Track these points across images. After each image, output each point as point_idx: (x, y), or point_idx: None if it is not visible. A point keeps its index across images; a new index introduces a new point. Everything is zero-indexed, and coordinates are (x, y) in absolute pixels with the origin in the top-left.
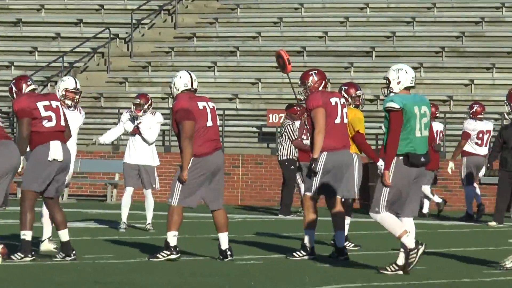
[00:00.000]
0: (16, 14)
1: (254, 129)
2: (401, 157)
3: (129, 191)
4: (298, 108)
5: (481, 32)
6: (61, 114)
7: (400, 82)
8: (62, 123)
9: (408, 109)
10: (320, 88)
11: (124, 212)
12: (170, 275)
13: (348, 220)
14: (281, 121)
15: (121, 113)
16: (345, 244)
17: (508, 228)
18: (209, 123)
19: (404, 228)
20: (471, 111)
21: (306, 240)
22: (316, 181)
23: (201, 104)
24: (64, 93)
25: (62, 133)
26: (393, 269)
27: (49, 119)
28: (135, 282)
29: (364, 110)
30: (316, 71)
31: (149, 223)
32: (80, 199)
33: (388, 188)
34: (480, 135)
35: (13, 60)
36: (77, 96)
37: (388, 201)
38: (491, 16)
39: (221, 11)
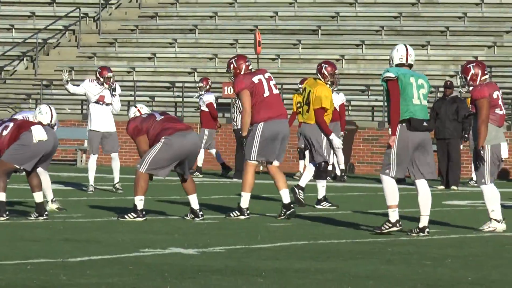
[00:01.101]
0: None
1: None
2: (403, 123)
3: (95, 156)
4: None
5: (417, 13)
6: None
7: (391, 58)
8: None
9: (403, 78)
10: (243, 72)
11: (91, 176)
12: (134, 233)
13: (323, 182)
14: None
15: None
16: (322, 204)
17: (441, 191)
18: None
19: (396, 202)
20: None
21: (243, 201)
22: (255, 148)
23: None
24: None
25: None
26: (388, 226)
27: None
28: (102, 239)
29: None
30: (236, 58)
31: (117, 182)
32: (52, 163)
33: (396, 154)
34: None
35: None
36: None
37: (397, 167)
38: None
39: None
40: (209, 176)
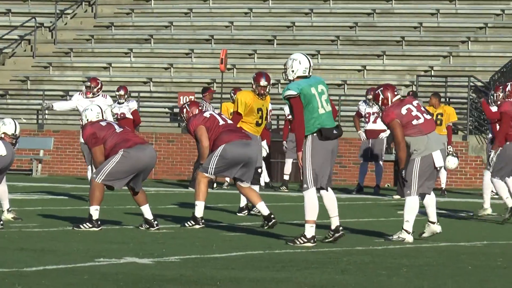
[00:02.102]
0: None
1: (166, 109)
2: (314, 134)
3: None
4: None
5: (373, 23)
6: None
7: (293, 71)
8: None
9: (306, 92)
10: (196, 111)
11: None
12: (89, 243)
13: (257, 187)
14: (183, 103)
15: (46, 95)
16: (254, 209)
17: (397, 201)
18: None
19: (315, 218)
20: (366, 96)
21: (197, 211)
22: (213, 164)
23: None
24: (2, 135)
25: None
26: (303, 241)
27: None
28: (57, 249)
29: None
30: (189, 103)
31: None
32: (7, 173)
33: (312, 165)
34: (367, 115)
35: None
36: (14, 141)
37: (314, 177)
38: (382, 8)
39: (136, 2)
40: (165, 186)
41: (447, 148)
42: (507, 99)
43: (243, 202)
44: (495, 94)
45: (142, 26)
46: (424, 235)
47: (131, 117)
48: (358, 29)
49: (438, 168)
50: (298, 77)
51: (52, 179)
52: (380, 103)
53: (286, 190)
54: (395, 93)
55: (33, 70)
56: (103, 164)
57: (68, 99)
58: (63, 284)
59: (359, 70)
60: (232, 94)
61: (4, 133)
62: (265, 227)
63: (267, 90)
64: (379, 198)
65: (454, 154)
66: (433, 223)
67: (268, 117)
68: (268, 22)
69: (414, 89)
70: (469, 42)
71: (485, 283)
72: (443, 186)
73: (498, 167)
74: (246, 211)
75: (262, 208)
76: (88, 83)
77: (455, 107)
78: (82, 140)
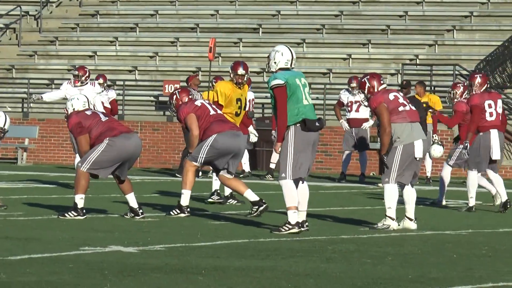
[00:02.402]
0: None
1: (152, 98)
2: (298, 125)
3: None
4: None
5: (358, 11)
6: None
7: (276, 62)
8: None
9: (292, 82)
10: (186, 99)
11: None
12: (74, 231)
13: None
14: (173, 91)
15: (31, 83)
16: (229, 201)
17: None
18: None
19: (296, 203)
20: (350, 84)
21: (183, 199)
22: (203, 154)
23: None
24: None
25: None
26: (288, 228)
27: None
28: (42, 237)
29: (252, 82)
30: (179, 90)
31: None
32: None
33: (293, 156)
34: (349, 104)
35: None
36: (1, 135)
37: (294, 168)
38: None
39: None
40: (150, 174)
41: (433, 137)
42: (475, 92)
43: (227, 191)
44: (453, 92)
45: (127, 15)
46: (398, 227)
47: (109, 106)
48: (343, 18)
49: (418, 159)
50: (280, 69)
51: (37, 167)
52: (366, 91)
53: (271, 179)
54: (381, 82)
55: (18, 59)
56: (88, 152)
57: (54, 89)
58: (48, 272)
59: (344, 59)
60: (214, 82)
61: None
62: (254, 214)
63: (245, 79)
64: (364, 187)
65: (439, 143)
66: (411, 220)
67: (250, 105)
68: (253, 11)
69: (400, 77)
70: (455, 30)
71: (470, 272)
72: (429, 174)
73: (475, 160)
74: (231, 199)
75: (250, 195)
76: (76, 72)
77: (440, 96)
78: None
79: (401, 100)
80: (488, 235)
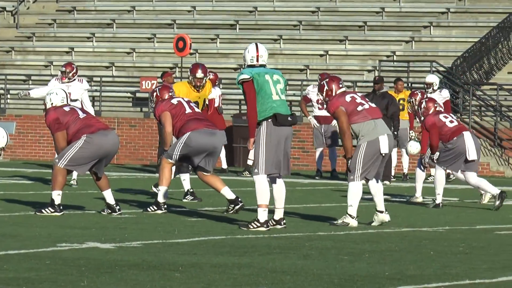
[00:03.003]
0: None
1: (129, 94)
2: (269, 120)
3: None
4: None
5: (335, 7)
6: None
7: (245, 59)
8: None
9: (258, 77)
10: (166, 97)
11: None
12: (51, 227)
13: (185, 176)
14: (155, 87)
15: (8, 79)
16: (187, 197)
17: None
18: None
19: (267, 202)
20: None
21: (160, 196)
22: (177, 151)
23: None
24: None
25: None
26: (256, 225)
27: None
28: (18, 234)
29: (228, 78)
30: (160, 87)
31: (74, 179)
32: None
33: (265, 151)
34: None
35: None
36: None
37: (267, 163)
38: None
39: None
40: (127, 171)
41: (409, 133)
42: (428, 114)
43: (186, 187)
44: (411, 100)
45: (104, 11)
46: (373, 223)
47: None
48: (320, 14)
49: (383, 154)
50: (249, 66)
51: (15, 163)
52: (324, 94)
53: (248, 175)
54: (340, 85)
55: None
56: (65, 149)
57: (32, 85)
58: (25, 269)
59: (321, 55)
60: (161, 79)
61: None
62: (230, 212)
63: (203, 82)
64: (341, 183)
65: (416, 139)
66: (381, 212)
67: (219, 101)
68: (230, 7)
69: (377, 74)
70: (431, 27)
71: (447, 269)
72: (405, 171)
73: (445, 159)
74: (190, 195)
75: (227, 192)
76: (63, 69)
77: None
78: None
79: (358, 100)
80: (465, 232)
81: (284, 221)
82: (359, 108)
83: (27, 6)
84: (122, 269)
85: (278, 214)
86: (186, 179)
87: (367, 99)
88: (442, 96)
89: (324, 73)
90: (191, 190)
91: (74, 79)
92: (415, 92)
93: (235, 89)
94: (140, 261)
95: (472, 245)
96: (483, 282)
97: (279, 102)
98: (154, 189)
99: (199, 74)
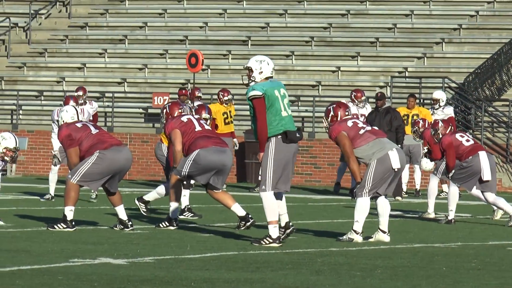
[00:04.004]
0: None
1: (141, 110)
2: (279, 136)
3: (56, 168)
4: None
5: (347, 24)
6: None
7: (262, 72)
8: None
9: (270, 94)
10: (176, 114)
11: (52, 187)
12: (64, 243)
13: (185, 192)
14: (165, 103)
15: (20, 95)
16: (185, 214)
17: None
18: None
19: (277, 218)
20: (357, 98)
21: (171, 212)
22: (186, 168)
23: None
24: (3, 150)
25: None
26: (268, 241)
27: None
28: (31, 249)
29: (240, 94)
30: (170, 104)
31: (95, 192)
32: None
33: (273, 167)
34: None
35: None
36: (15, 154)
37: (274, 180)
38: (356, 9)
39: (110, 3)
40: (139, 186)
41: (423, 150)
42: (442, 135)
43: (184, 203)
44: (416, 128)
45: (116, 27)
46: (370, 240)
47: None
48: (332, 30)
49: (396, 170)
50: (265, 78)
51: (27, 179)
52: (329, 120)
53: None
54: (346, 112)
55: (7, 70)
56: (78, 165)
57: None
58: (37, 284)
59: (333, 71)
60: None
61: (6, 147)
62: (242, 228)
63: (208, 122)
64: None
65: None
66: (384, 232)
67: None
68: (242, 23)
69: (389, 90)
70: (443, 43)
71: (459, 285)
72: (418, 187)
73: (460, 176)
74: (188, 211)
75: (238, 209)
76: (80, 93)
77: (430, 109)
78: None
79: (360, 124)
80: (477, 248)
81: (291, 223)
82: (361, 131)
83: (39, 22)
84: (135, 285)
85: (283, 219)
86: (186, 195)
87: (368, 123)
88: (445, 113)
89: (358, 89)
90: (189, 206)
91: (86, 102)
92: (417, 120)
93: (247, 105)
94: (152, 277)
95: (484, 261)
96: None
97: (287, 118)
98: (137, 202)
99: (205, 115)
